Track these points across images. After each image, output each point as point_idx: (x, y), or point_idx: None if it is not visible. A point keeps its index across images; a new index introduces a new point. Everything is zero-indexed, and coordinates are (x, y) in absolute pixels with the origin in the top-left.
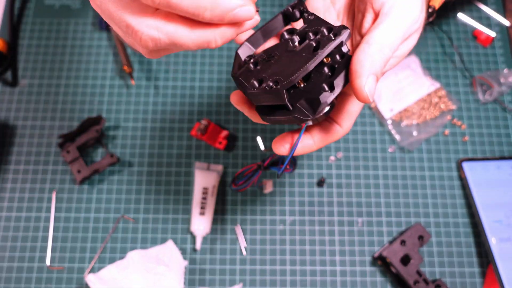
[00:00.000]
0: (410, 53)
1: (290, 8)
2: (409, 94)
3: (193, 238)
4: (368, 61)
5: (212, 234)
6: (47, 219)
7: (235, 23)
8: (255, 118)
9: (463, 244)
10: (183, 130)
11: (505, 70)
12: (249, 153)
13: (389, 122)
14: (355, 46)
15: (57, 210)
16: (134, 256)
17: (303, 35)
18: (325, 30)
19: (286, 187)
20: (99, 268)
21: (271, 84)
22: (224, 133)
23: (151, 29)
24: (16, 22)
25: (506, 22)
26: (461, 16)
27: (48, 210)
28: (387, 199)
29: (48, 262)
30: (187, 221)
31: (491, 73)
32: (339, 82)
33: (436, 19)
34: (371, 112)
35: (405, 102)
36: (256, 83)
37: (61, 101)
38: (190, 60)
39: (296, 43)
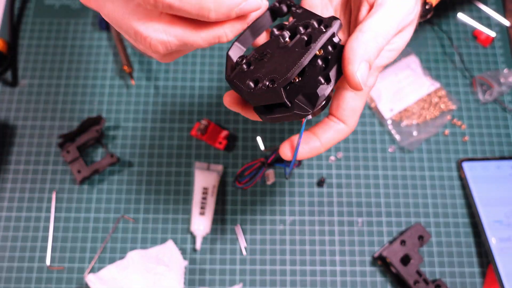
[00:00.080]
0: (410, 53)
1: (277, 3)
2: (409, 94)
3: (193, 238)
4: (360, 48)
5: (212, 234)
6: (47, 219)
7: (243, 16)
8: (252, 116)
9: (463, 244)
10: (183, 130)
11: (505, 70)
12: (249, 153)
13: (389, 122)
14: None
15: (57, 210)
16: (134, 256)
17: (293, 29)
18: (315, 23)
19: (286, 187)
20: (99, 268)
21: (267, 83)
22: (224, 133)
23: (159, 33)
24: (16, 22)
25: (506, 22)
26: (461, 16)
27: (48, 210)
28: (387, 199)
29: (48, 262)
30: (187, 221)
31: (491, 73)
32: (334, 73)
33: (436, 19)
34: (371, 112)
35: (405, 102)
36: (251, 84)
37: (61, 101)
38: (190, 60)
39: (287, 39)
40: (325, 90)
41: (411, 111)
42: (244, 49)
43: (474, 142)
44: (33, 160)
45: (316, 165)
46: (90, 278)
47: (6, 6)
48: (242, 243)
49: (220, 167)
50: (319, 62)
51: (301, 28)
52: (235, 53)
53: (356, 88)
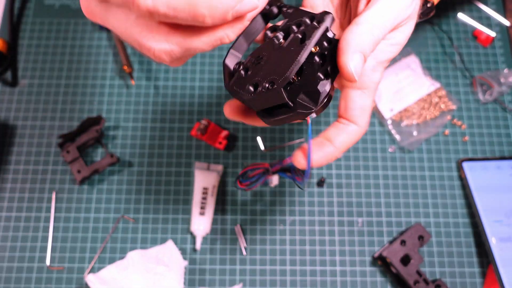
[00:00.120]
0: (410, 53)
1: (267, 6)
2: (409, 94)
3: (193, 238)
4: (354, 39)
5: (212, 234)
6: (47, 219)
7: (242, 16)
8: (255, 123)
9: (463, 244)
10: (183, 130)
11: (505, 70)
12: (249, 153)
13: (389, 122)
14: None
15: (57, 210)
16: (134, 256)
17: (286, 30)
18: (307, 20)
19: (286, 187)
20: (99, 268)
21: (267, 85)
22: (224, 133)
23: (162, 43)
24: (16, 22)
25: (506, 22)
26: (461, 16)
27: (48, 210)
28: (387, 199)
29: (48, 262)
30: (187, 221)
31: (491, 73)
32: (332, 69)
33: (436, 19)
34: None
35: (405, 102)
36: (251, 88)
37: (61, 101)
38: (190, 60)
39: (281, 40)
40: (325, 85)
41: (411, 111)
42: (240, 56)
43: (474, 142)
44: (33, 160)
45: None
46: (90, 278)
47: (6, 6)
48: (242, 243)
49: (220, 167)
50: (316, 59)
51: (294, 27)
52: (232, 60)
53: (349, 79)
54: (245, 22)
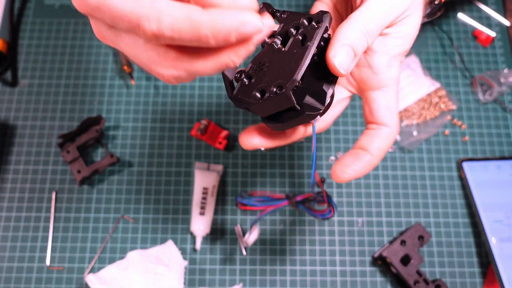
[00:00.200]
0: (410, 53)
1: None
2: (409, 94)
3: (193, 238)
4: (342, 33)
5: (212, 234)
6: (47, 219)
7: (246, 39)
8: (275, 142)
9: (463, 244)
10: (183, 130)
11: (505, 70)
12: (249, 153)
13: None
14: None
15: (57, 210)
16: (134, 256)
17: (283, 34)
18: (305, 21)
19: (286, 187)
20: (99, 268)
21: (275, 90)
22: (224, 133)
23: (169, 70)
24: (16, 22)
25: (506, 22)
26: (461, 16)
27: (48, 210)
28: (387, 199)
29: (48, 262)
30: (187, 221)
31: (491, 73)
32: None
33: (436, 19)
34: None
35: (405, 102)
36: (258, 95)
37: (61, 101)
38: None
39: (280, 45)
40: (329, 85)
41: (411, 111)
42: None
43: (474, 142)
44: (33, 160)
45: (316, 165)
46: (90, 278)
47: (6, 6)
48: (242, 243)
49: (220, 167)
50: (316, 60)
51: (292, 30)
52: (230, 70)
53: (336, 73)
54: (250, 47)
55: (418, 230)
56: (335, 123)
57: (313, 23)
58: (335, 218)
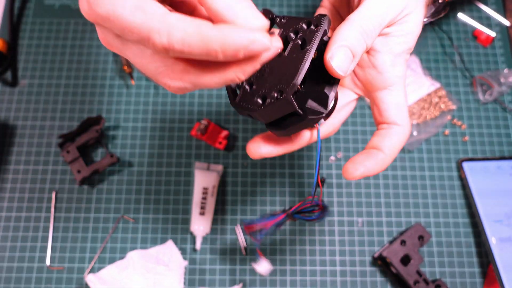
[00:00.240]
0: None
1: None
2: (409, 94)
3: (193, 238)
4: (339, 35)
5: (212, 234)
6: (47, 219)
7: (254, 57)
8: (285, 148)
9: (463, 244)
10: (183, 130)
11: (505, 70)
12: None
13: None
14: None
15: (57, 210)
16: (134, 256)
17: (283, 39)
18: (304, 25)
19: (286, 187)
20: (99, 268)
21: (276, 95)
22: (224, 133)
23: (176, 81)
24: (16, 22)
25: (506, 22)
26: (461, 16)
27: (48, 210)
28: (387, 199)
29: (48, 262)
30: (187, 221)
31: (491, 73)
32: None
33: (436, 19)
34: (371, 112)
35: None
36: (260, 101)
37: (61, 101)
38: None
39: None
40: (331, 88)
41: (411, 111)
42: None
43: (474, 142)
44: (33, 160)
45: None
46: (90, 278)
47: (6, 6)
48: (242, 243)
49: (220, 167)
50: (317, 63)
51: (292, 35)
52: None
53: (334, 75)
54: (257, 65)
55: (418, 230)
56: None
57: (312, 26)
58: (335, 218)
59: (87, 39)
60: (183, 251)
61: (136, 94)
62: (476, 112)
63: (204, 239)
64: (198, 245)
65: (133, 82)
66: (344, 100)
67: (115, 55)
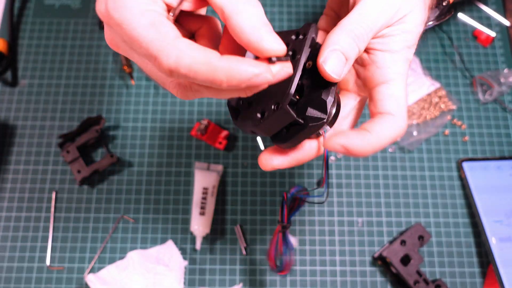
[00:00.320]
0: None
1: None
2: (409, 94)
3: (193, 238)
4: (330, 38)
5: (212, 234)
6: (47, 219)
7: (256, 87)
8: (296, 160)
9: (463, 244)
10: (183, 130)
11: (505, 70)
12: (249, 153)
13: None
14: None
15: (57, 210)
16: (134, 256)
17: None
18: (293, 36)
19: (286, 187)
20: (99, 268)
21: (273, 107)
22: (224, 133)
23: (180, 90)
24: (16, 22)
25: (506, 22)
26: (461, 16)
27: (48, 210)
28: (387, 199)
29: (48, 262)
30: (187, 221)
31: (491, 73)
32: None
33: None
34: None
35: None
36: (259, 116)
37: (61, 101)
38: None
39: None
40: (328, 93)
41: (411, 111)
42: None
43: (474, 142)
44: (33, 160)
45: (316, 165)
46: (90, 278)
47: (6, 6)
48: (242, 243)
49: (220, 167)
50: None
51: None
52: (233, 98)
53: (328, 78)
54: (256, 90)
55: (418, 230)
56: None
57: (300, 36)
58: (335, 218)
59: (87, 39)
60: (183, 251)
61: (136, 94)
62: (476, 112)
63: (204, 239)
64: (198, 245)
65: (133, 82)
66: (350, 104)
67: (115, 55)
